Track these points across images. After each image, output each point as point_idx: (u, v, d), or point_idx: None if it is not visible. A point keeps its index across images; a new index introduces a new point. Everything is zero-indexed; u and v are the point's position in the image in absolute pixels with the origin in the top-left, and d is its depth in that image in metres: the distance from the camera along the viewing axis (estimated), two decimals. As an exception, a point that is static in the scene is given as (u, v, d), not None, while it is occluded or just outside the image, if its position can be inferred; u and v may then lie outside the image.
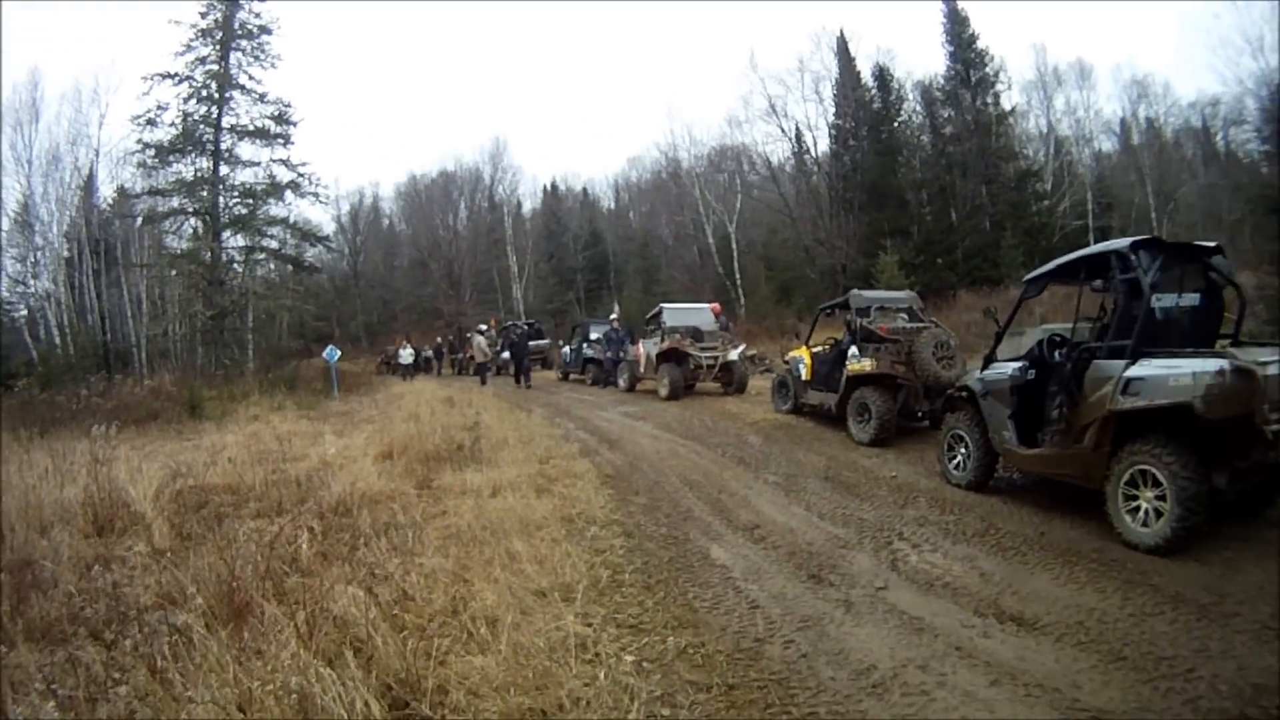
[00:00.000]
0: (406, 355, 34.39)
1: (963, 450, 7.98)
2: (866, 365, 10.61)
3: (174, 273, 33.84)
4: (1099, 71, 45.36)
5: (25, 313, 37.76)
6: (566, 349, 25.76)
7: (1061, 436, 6.62)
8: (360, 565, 5.77)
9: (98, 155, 38.09)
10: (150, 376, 28.42)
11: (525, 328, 24.99)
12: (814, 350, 12.65)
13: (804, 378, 12.45)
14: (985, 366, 7.78)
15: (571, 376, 24.80)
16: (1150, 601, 4.84)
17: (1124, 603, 4.86)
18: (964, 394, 8.15)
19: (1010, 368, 7.44)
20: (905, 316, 11.86)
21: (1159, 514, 5.65)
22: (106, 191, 39.53)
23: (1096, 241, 35.66)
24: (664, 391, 16.37)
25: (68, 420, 18.40)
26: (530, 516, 6.91)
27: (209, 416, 19.99)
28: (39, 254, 36.86)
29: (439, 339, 42.30)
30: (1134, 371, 5.92)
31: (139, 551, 6.78)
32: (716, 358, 16.57)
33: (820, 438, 11.03)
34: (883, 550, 6.12)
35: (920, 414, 10.89)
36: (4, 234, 35.94)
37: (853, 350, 10.97)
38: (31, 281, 37.23)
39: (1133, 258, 6.28)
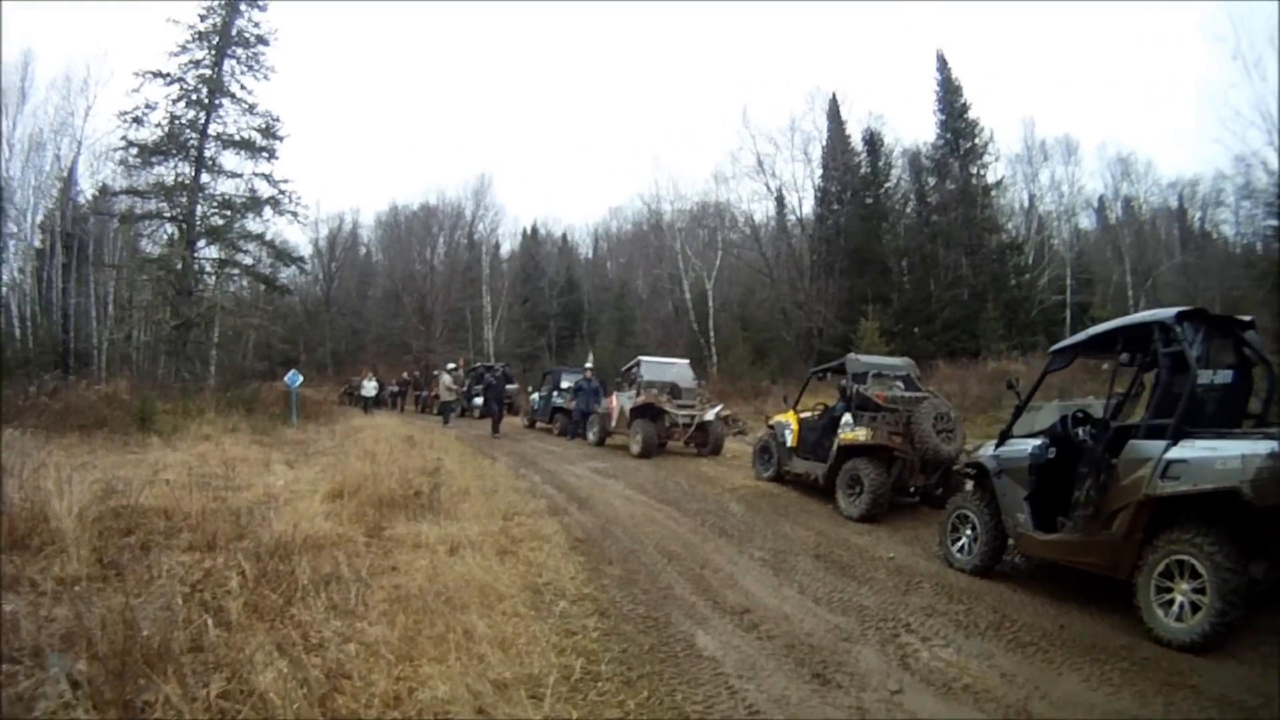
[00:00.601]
0: (370, 387, 33.05)
1: (969, 532, 7.35)
2: (861, 435, 9.90)
3: (144, 277, 32.39)
4: (1084, 147, 45.78)
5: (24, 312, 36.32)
6: (535, 396, 24.93)
7: (1087, 522, 6.00)
8: (293, 625, 5.02)
9: (79, 147, 36.99)
10: (107, 381, 26.93)
11: (502, 371, 23.93)
12: (802, 415, 11.95)
13: (789, 444, 11.71)
14: (1001, 442, 7.13)
15: (539, 425, 23.95)
16: (1195, 706, 4.38)
17: (1167, 709, 4.38)
18: (973, 472, 7.52)
19: (1029, 445, 6.79)
20: (902, 385, 11.18)
21: (1195, 608, 5.13)
22: (87, 186, 38.50)
23: (1074, 317, 36.73)
24: (636, 448, 15.54)
25: (11, 418, 17.56)
26: (492, 583, 6.09)
27: (159, 430, 18.94)
28: (9, 242, 35.58)
29: (405, 374, 41.42)
30: (1176, 453, 5.37)
31: (54, 575, 5.96)
32: (693, 416, 15.82)
33: (806, 509, 10.30)
34: (890, 644, 5.42)
35: (913, 490, 10.23)
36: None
37: (846, 418, 10.29)
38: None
39: (1177, 329, 5.77)
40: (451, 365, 29.45)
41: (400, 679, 4.23)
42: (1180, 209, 47.99)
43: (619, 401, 16.89)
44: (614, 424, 17.28)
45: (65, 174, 37.26)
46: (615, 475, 13.06)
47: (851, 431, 10.07)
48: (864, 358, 11.43)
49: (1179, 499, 5.32)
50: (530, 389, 28.15)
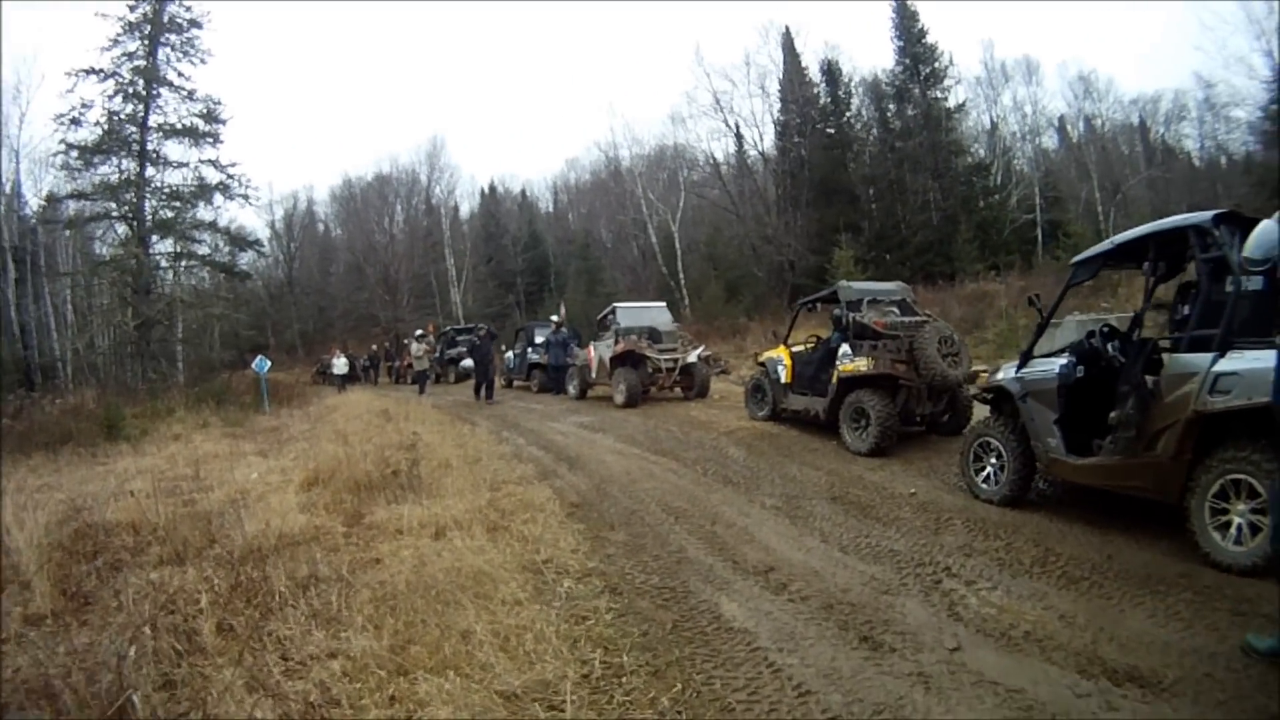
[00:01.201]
0: (340, 365, 32.11)
1: (994, 461, 6.81)
2: (863, 365, 9.34)
3: (97, 281, 32.12)
4: (1045, 68, 45.86)
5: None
6: (510, 354, 24.16)
7: (1128, 444, 5.47)
8: (272, 643, 4.49)
9: (17, 157, 35.51)
10: (73, 392, 26.68)
11: (487, 330, 22.72)
12: (794, 350, 11.34)
13: (784, 381, 11.09)
14: (1023, 364, 6.58)
15: (516, 383, 23.29)
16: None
17: (1247, 641, 3.88)
18: (991, 396, 6.99)
19: (1055, 365, 6.25)
20: (897, 310, 10.53)
21: (1255, 529, 4.68)
22: (32, 196, 37.33)
23: (1045, 235, 36.83)
24: (620, 398, 14.93)
25: None
26: (485, 569, 5.47)
27: (127, 437, 18.37)
28: None
29: (374, 346, 40.79)
30: (1225, 366, 4.86)
31: (19, 615, 5.49)
32: (676, 360, 15.21)
33: (810, 448, 9.72)
34: (933, 592, 4.90)
35: (920, 418, 9.69)
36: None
37: (844, 348, 9.71)
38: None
39: (1216, 233, 5.22)
40: (420, 332, 28.78)
41: (395, 700, 3.66)
42: (1142, 125, 48.84)
43: (597, 352, 16.23)
44: (594, 375, 16.67)
45: (9, 187, 35.92)
46: (603, 429, 12.45)
47: (852, 362, 9.51)
48: (856, 284, 10.82)
49: (1231, 414, 4.83)
50: (504, 348, 27.51)
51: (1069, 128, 46.88)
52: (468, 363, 25.86)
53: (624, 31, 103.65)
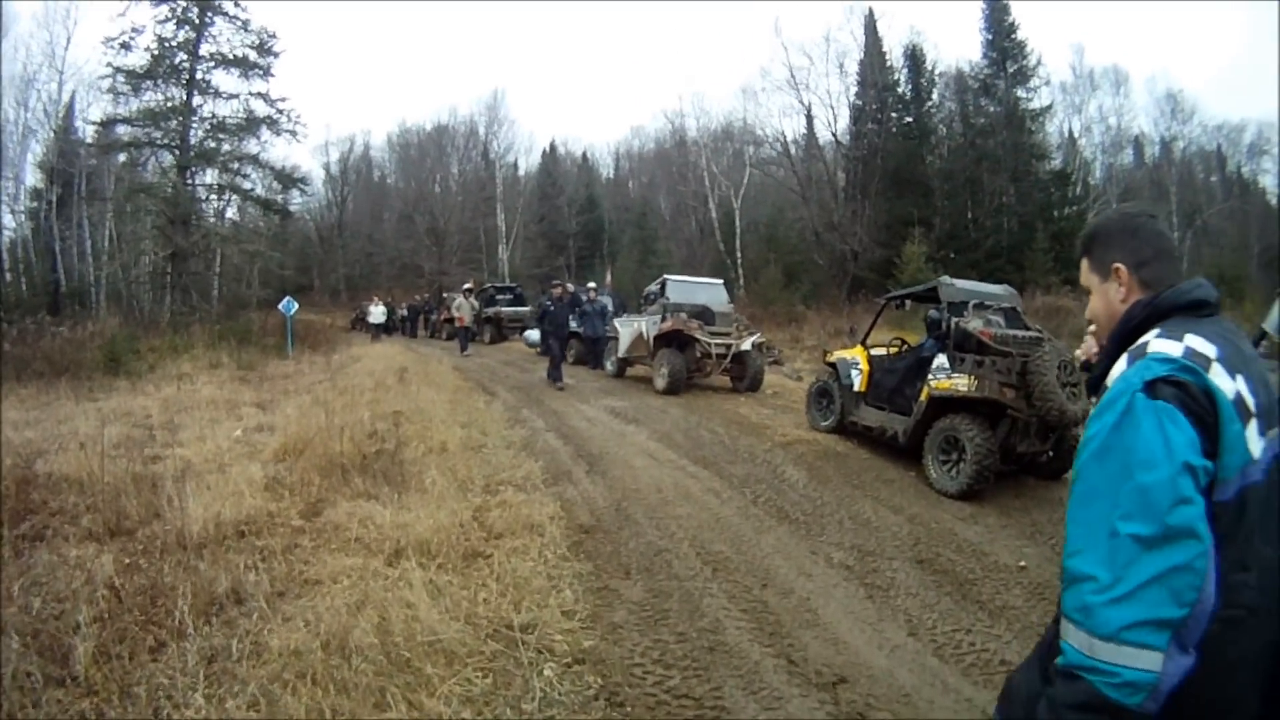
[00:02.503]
0: (377, 313, 30.64)
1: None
2: (963, 384, 7.52)
3: (129, 208, 31.37)
4: (1134, 80, 42.94)
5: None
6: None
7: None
8: (149, 691, 3.60)
9: (60, 79, 35.97)
10: (99, 320, 25.83)
11: (563, 289, 18.32)
12: (873, 353, 9.48)
13: (857, 388, 9.25)
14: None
15: None
16: None
17: None
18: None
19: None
20: (1002, 319, 8.65)
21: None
22: (87, 121, 36.67)
23: None
24: (661, 383, 13.16)
25: None
26: (437, 631, 3.86)
27: (130, 372, 17.25)
28: (6, 184, 34.86)
29: (416, 297, 39.43)
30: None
31: None
32: (729, 346, 13.22)
33: (885, 478, 7.89)
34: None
35: (1023, 458, 7.82)
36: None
37: (941, 360, 7.88)
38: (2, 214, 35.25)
39: None
40: (467, 286, 26.99)
41: None
42: (1219, 154, 46.34)
43: (643, 327, 14.46)
44: (624, 351, 14.95)
45: (63, 110, 36.48)
46: (637, 419, 10.65)
47: (949, 379, 7.68)
48: (960, 283, 8.72)
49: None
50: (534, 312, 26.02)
51: (1145, 147, 44.49)
52: (533, 334, 23.03)
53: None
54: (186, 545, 5.50)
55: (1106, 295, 1.83)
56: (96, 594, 4.54)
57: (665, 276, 14.76)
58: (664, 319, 13.40)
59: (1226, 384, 1.51)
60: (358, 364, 18.66)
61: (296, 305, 24.83)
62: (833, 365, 9.78)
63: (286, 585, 4.83)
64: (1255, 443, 1.51)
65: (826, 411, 9.74)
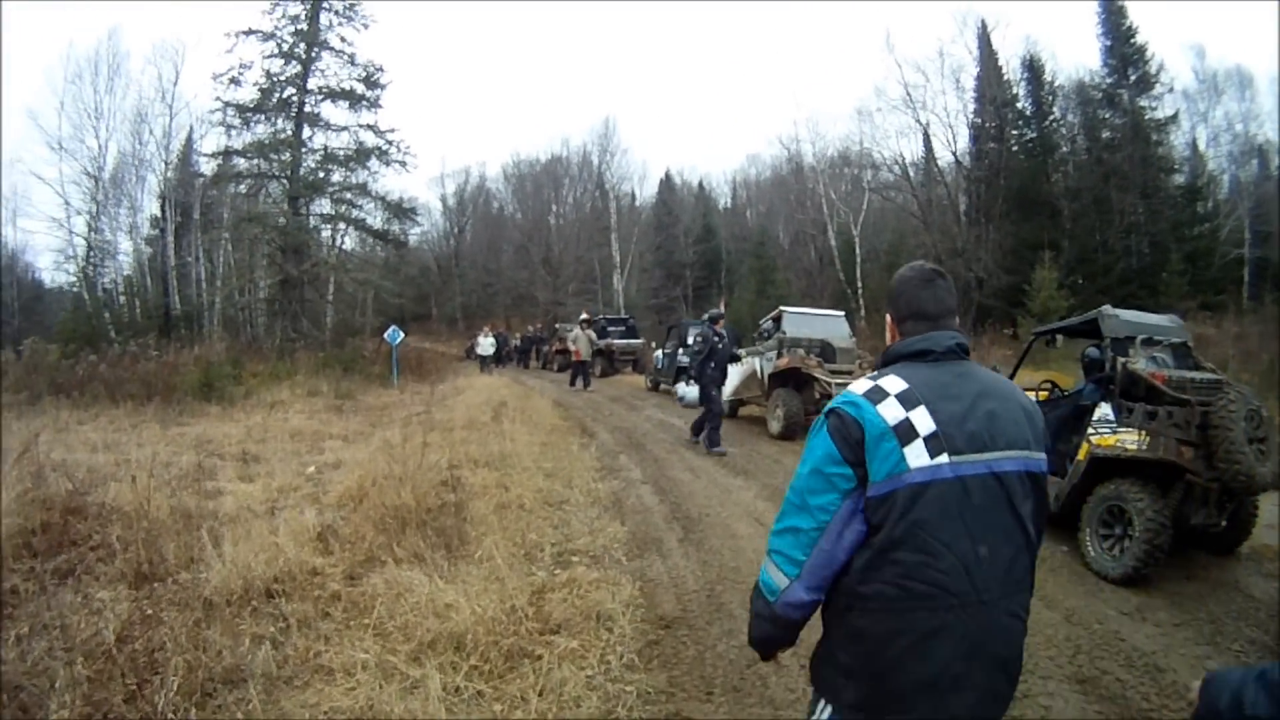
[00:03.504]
0: (486, 344, 29.86)
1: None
2: (1131, 441, 6.16)
3: (243, 237, 32.27)
4: (1258, 81, 38.38)
5: (114, 274, 37.71)
6: (659, 353, 21.32)
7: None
8: None
9: (171, 113, 37.73)
10: (203, 344, 26.66)
11: (721, 324, 16.71)
12: None
13: None
14: None
15: (662, 386, 20.32)
16: None
17: None
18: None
19: None
20: (1169, 357, 7.15)
21: None
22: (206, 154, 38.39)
23: (1254, 274, 32.11)
24: (776, 426, 12.05)
25: (68, 390, 16.96)
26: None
27: (222, 398, 17.10)
28: (121, 213, 37.10)
29: (529, 328, 39.22)
30: None
31: None
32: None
33: (1045, 566, 6.35)
34: None
35: (1194, 530, 6.27)
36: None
37: (1104, 410, 6.54)
38: (119, 240, 37.37)
39: None
40: (584, 317, 26.01)
41: None
42: None
43: (758, 364, 13.34)
44: (738, 390, 13.84)
45: (182, 143, 38.41)
46: (746, 470, 9.49)
47: (1114, 434, 6.34)
48: (1125, 313, 7.18)
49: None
50: (654, 345, 24.95)
51: (1270, 155, 39.44)
52: (690, 391, 19.00)
53: (811, 21, 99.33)
54: (214, 602, 4.91)
55: (888, 337, 2.32)
56: (95, 650, 4.06)
57: (782, 308, 13.63)
58: (780, 355, 12.34)
59: (893, 413, 1.96)
60: (460, 396, 18.12)
61: (402, 334, 24.63)
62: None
63: (296, 669, 4.13)
64: (918, 457, 1.92)
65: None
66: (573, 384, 20.87)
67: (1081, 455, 6.57)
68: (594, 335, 22.53)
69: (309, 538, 6.14)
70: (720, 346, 11.58)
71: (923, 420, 1.93)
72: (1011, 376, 8.06)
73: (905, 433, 1.92)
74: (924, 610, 1.91)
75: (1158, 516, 5.83)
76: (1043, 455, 2.10)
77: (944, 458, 1.92)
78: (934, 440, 1.92)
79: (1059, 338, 7.95)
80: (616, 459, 10.24)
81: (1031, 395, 7.98)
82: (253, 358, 24.87)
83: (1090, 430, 6.54)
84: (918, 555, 1.90)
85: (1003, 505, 1.98)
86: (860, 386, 2.03)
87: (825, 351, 12.42)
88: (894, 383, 1.99)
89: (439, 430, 11.79)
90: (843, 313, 14.95)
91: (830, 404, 2.03)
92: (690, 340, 18.28)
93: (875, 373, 2.09)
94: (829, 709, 2.06)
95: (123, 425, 13.76)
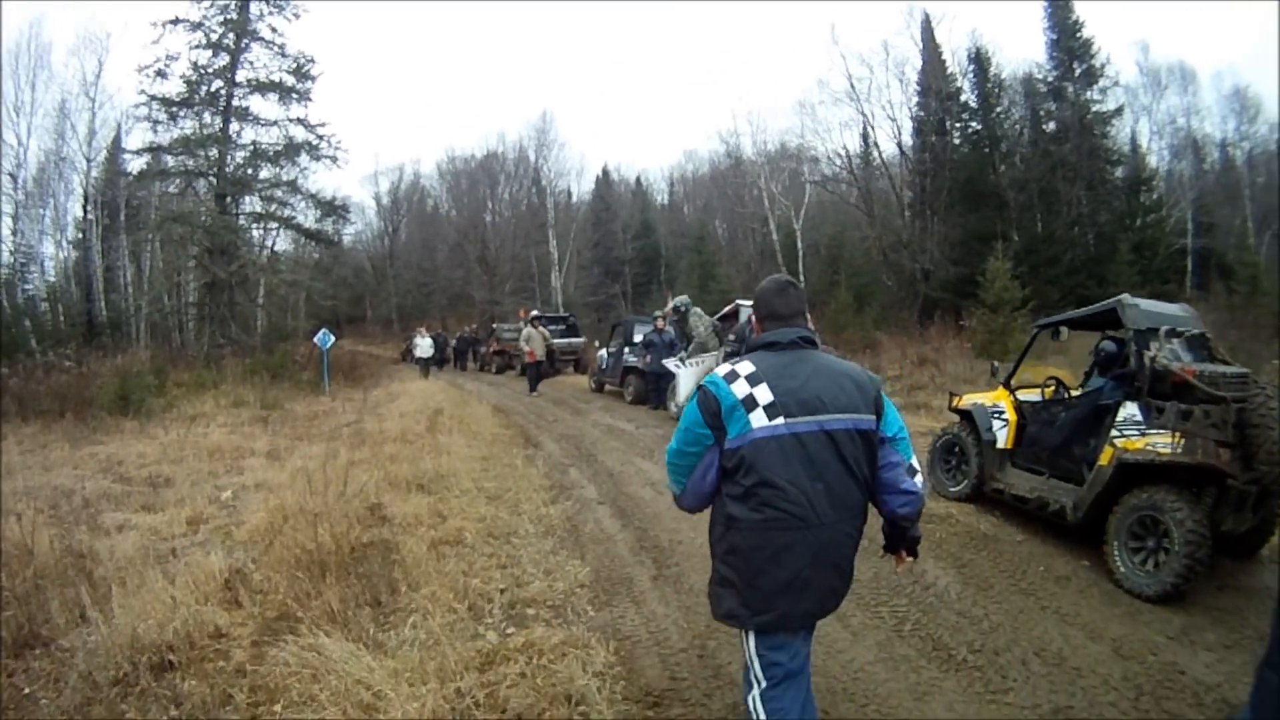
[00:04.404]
0: (425, 346, 27.36)
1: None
2: (1163, 444, 5.41)
3: (162, 236, 30.70)
4: (1201, 77, 39.45)
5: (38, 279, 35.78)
6: (603, 352, 20.07)
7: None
8: None
9: (94, 108, 35.49)
10: (130, 351, 25.49)
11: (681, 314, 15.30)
12: (1021, 398, 7.32)
13: (1001, 445, 7.12)
14: None
15: (607, 387, 19.29)
16: None
17: None
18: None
19: None
20: (1187, 349, 6.25)
21: None
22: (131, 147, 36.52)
23: (1196, 264, 32.72)
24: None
25: None
26: None
27: (143, 411, 15.86)
28: (45, 215, 35.43)
29: (466, 328, 37.86)
30: None
31: None
32: None
33: (1055, 573, 5.67)
34: None
35: (1230, 535, 5.52)
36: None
37: (1129, 410, 5.76)
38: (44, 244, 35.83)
39: None
40: (536, 313, 24.64)
41: None
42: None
43: (713, 364, 12.25)
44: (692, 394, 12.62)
45: (110, 139, 36.53)
46: None
47: (1143, 437, 5.57)
48: (1146, 303, 6.45)
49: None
50: (597, 344, 23.94)
51: (1207, 149, 40.75)
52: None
53: (751, 16, 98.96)
54: (96, 680, 4.03)
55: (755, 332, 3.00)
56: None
57: (739, 302, 12.72)
58: (735, 355, 11.19)
59: (741, 389, 2.64)
60: (394, 403, 17.09)
61: (333, 338, 23.31)
62: (964, 414, 7.65)
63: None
64: (760, 420, 2.61)
65: (957, 474, 7.58)
66: (533, 389, 19.50)
67: (1104, 461, 5.79)
68: (547, 333, 21.08)
69: (214, 586, 5.15)
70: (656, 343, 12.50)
71: (763, 394, 2.60)
72: (1010, 375, 7.31)
73: (749, 403, 2.60)
74: (777, 530, 2.58)
75: (1198, 527, 5.12)
76: (871, 416, 2.74)
77: (780, 420, 2.58)
78: (772, 408, 2.59)
79: (1064, 330, 7.11)
80: (567, 474, 9.24)
81: (1034, 395, 7.21)
82: (178, 366, 23.60)
83: (1115, 433, 5.76)
84: (768, 490, 2.57)
85: (832, 453, 2.62)
86: (721, 370, 2.72)
87: (796, 348, 11.46)
88: (745, 367, 2.67)
89: (369, 444, 10.80)
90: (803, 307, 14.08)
91: (701, 382, 2.73)
92: (636, 338, 17.37)
93: (735, 359, 2.79)
94: (751, 640, 2.74)
95: (30, 446, 12.73)
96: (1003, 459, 7.08)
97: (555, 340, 25.42)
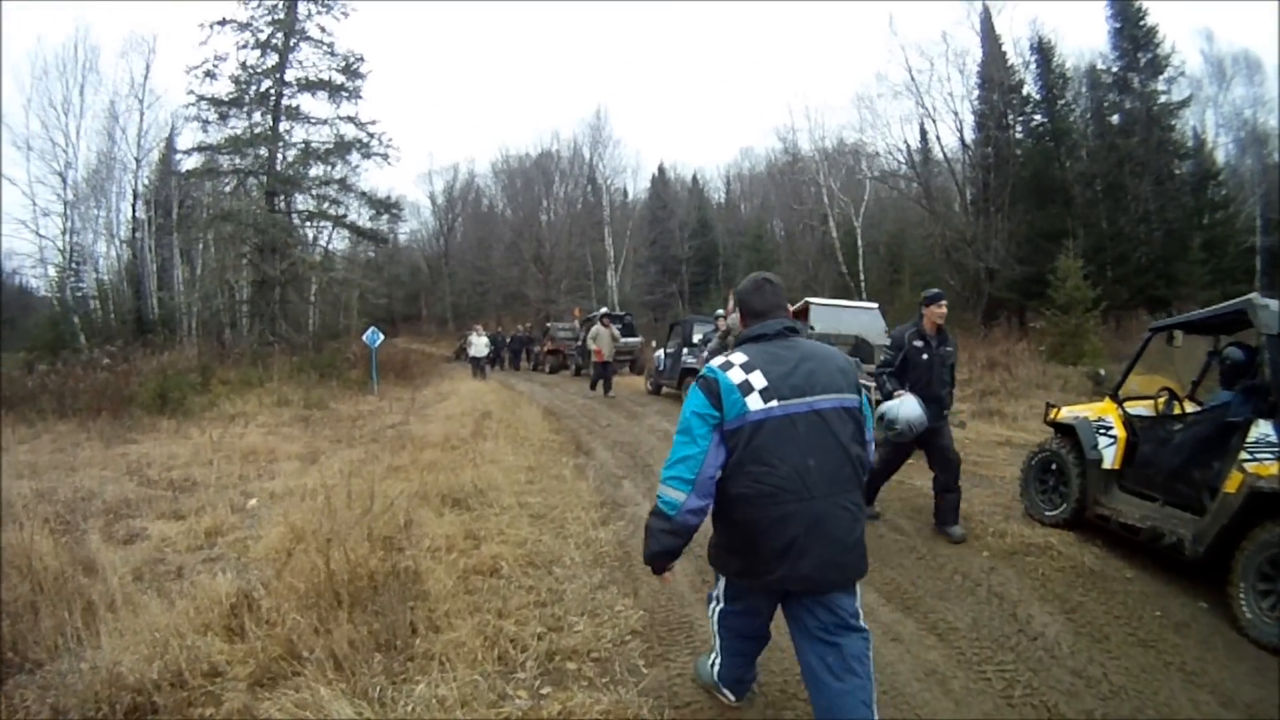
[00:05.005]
0: (480, 344, 26.09)
1: None
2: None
3: (212, 235, 30.72)
4: (1268, 66, 37.18)
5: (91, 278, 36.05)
6: (660, 353, 19.39)
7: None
8: None
9: (142, 109, 36.25)
10: (178, 348, 25.97)
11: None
12: (1132, 411, 6.42)
13: (1108, 465, 6.23)
14: None
15: (664, 389, 18.59)
16: None
17: None
18: None
19: None
20: None
21: None
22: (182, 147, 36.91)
23: (1267, 263, 31.02)
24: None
25: (15, 404, 15.79)
26: None
27: (179, 410, 15.65)
28: (99, 214, 35.97)
29: (519, 326, 37.54)
30: None
31: None
32: None
33: (1172, 617, 4.84)
34: None
35: None
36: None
37: (1262, 429, 4.90)
38: (97, 243, 36.21)
39: None
40: (604, 310, 23.35)
41: None
42: None
43: None
44: None
45: (163, 140, 37.15)
46: None
47: (1278, 461, 4.73)
48: (1277, 305, 5.36)
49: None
50: (654, 344, 23.24)
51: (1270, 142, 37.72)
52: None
53: (806, 10, 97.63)
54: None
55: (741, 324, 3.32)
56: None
57: (808, 300, 12.00)
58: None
59: (737, 376, 2.93)
60: (442, 404, 16.69)
61: (382, 336, 22.90)
62: (1061, 427, 6.81)
63: None
64: (755, 403, 2.88)
65: (1054, 496, 6.66)
66: (593, 388, 18.98)
67: (1231, 488, 4.94)
68: (616, 332, 19.83)
69: (219, 613, 4.55)
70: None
71: (758, 379, 2.93)
72: (1122, 380, 6.47)
73: (745, 388, 2.92)
74: (772, 503, 2.87)
75: (1344, 571, 4.30)
76: (855, 395, 3.08)
77: (774, 402, 2.90)
78: (766, 392, 2.91)
79: (1179, 334, 6.26)
80: (619, 488, 8.49)
81: (1143, 408, 6.37)
82: (225, 364, 23.55)
83: (1246, 455, 4.92)
84: (762, 467, 2.88)
85: (824, 431, 2.93)
86: (717, 361, 3.08)
87: (860, 350, 10.72)
88: (739, 357, 3.03)
89: (410, 449, 10.23)
90: (876, 305, 13.23)
91: (700, 373, 3.08)
92: (695, 338, 16.65)
93: (729, 351, 3.16)
94: (722, 581, 3.31)
95: (65, 444, 12.55)
96: (1109, 481, 6.21)
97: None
